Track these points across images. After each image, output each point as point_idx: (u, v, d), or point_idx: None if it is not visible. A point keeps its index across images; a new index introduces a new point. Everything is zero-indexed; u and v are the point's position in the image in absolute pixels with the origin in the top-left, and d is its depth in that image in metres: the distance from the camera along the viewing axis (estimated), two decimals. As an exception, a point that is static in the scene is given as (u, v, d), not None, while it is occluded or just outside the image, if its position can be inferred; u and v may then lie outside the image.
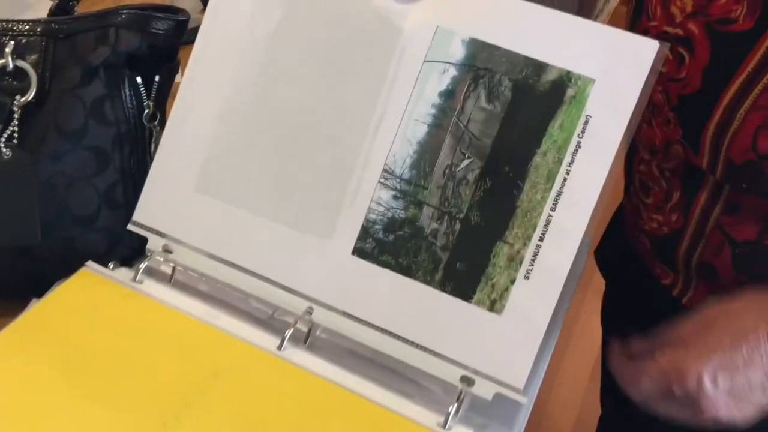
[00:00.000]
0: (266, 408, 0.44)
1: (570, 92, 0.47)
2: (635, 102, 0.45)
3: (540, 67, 0.47)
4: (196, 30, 0.57)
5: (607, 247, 0.78)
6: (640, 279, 0.65)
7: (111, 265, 0.52)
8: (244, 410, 0.44)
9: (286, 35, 0.51)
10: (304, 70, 0.51)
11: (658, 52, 0.45)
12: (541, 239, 0.46)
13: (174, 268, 0.52)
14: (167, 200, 0.52)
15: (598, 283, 0.82)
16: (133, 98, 0.54)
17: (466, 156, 0.49)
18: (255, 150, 0.51)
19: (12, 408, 0.43)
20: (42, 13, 0.84)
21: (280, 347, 0.47)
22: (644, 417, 0.51)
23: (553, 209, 0.46)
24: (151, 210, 0.52)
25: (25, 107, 0.52)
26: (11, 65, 0.52)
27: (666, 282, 0.62)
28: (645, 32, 0.53)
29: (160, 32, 0.53)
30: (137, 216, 0.53)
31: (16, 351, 0.46)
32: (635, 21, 0.56)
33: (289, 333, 0.48)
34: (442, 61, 0.49)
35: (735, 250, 0.55)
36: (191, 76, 0.52)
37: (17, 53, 0.52)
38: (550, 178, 0.47)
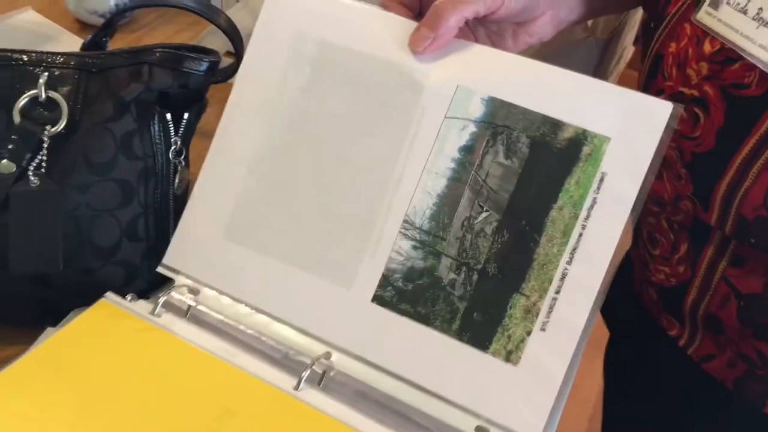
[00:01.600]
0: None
1: (586, 150, 0.48)
2: (650, 160, 0.47)
3: (557, 125, 0.49)
4: (222, 70, 0.59)
5: (612, 299, 0.79)
6: (645, 330, 0.66)
7: (129, 297, 0.53)
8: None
9: (313, 93, 0.53)
10: (330, 125, 0.53)
11: (672, 112, 0.47)
12: (557, 292, 0.48)
13: (189, 306, 0.53)
14: (196, 245, 0.54)
15: (595, 338, 0.83)
16: (161, 134, 0.55)
17: (484, 209, 0.50)
18: (282, 201, 0.53)
19: None
20: (64, 46, 0.87)
21: (296, 387, 0.48)
22: None
23: (569, 263, 0.48)
24: (181, 254, 0.54)
25: (55, 137, 0.53)
26: (43, 96, 0.53)
27: (672, 333, 0.63)
28: (660, 92, 0.55)
29: (192, 71, 0.55)
30: (167, 259, 0.54)
31: (35, 379, 0.47)
32: (649, 81, 0.58)
33: (306, 374, 0.48)
34: (462, 118, 0.51)
35: (740, 302, 0.56)
36: (224, 128, 0.55)
37: (50, 84, 0.54)
38: (566, 232, 0.48)
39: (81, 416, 0.45)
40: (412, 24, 0.51)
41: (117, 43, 0.64)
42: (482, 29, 0.56)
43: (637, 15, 0.92)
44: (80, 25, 0.92)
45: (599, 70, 0.76)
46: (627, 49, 0.94)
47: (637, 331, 0.71)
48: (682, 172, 0.55)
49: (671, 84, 0.55)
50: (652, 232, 0.62)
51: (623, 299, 0.73)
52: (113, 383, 0.47)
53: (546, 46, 0.68)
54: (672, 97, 0.54)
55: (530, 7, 0.53)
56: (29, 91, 0.53)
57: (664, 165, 0.57)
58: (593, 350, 0.88)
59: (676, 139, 0.54)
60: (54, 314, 0.53)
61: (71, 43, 0.88)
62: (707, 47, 0.52)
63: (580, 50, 0.71)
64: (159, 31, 0.93)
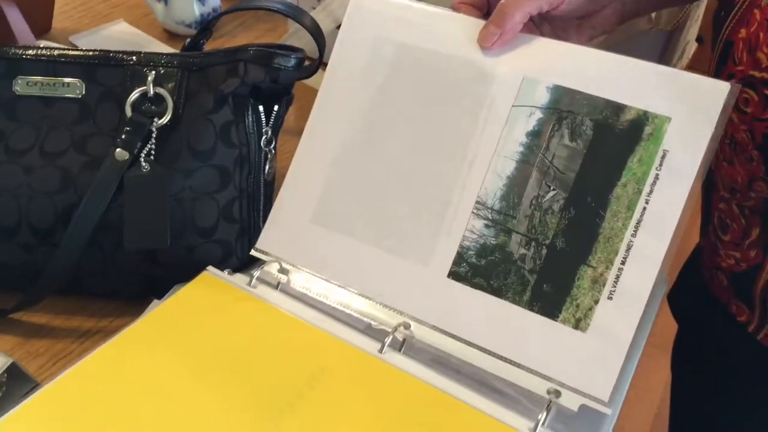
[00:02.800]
0: (367, 404, 0.49)
1: (648, 129, 0.52)
2: (710, 137, 0.50)
3: (619, 108, 0.52)
4: (307, 68, 0.64)
5: (680, 291, 0.80)
6: (714, 318, 0.68)
7: (227, 271, 0.58)
8: (348, 404, 0.49)
9: (392, 89, 0.58)
10: (408, 117, 0.58)
11: (730, 91, 0.50)
12: (623, 263, 0.51)
13: (279, 282, 0.58)
14: (286, 231, 0.59)
15: (657, 338, 0.85)
16: (255, 124, 0.61)
17: (552, 188, 0.54)
18: (363, 188, 0.58)
19: (136, 399, 0.48)
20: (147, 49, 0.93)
21: (381, 350, 0.52)
22: None
23: (633, 235, 0.51)
24: (272, 238, 0.59)
25: (161, 128, 0.59)
26: (151, 92, 0.59)
27: (741, 319, 0.64)
28: (730, 77, 0.57)
29: (282, 67, 0.60)
30: (260, 244, 0.60)
31: (144, 345, 0.52)
32: (720, 67, 0.60)
33: (389, 339, 0.52)
34: (529, 106, 0.55)
35: None
36: (312, 125, 0.60)
37: (157, 81, 0.60)
38: (631, 207, 0.51)
39: (188, 377, 0.50)
40: (481, 22, 0.56)
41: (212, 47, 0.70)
42: (547, 25, 0.60)
43: (700, 9, 0.93)
44: (168, 35, 0.99)
45: (662, 62, 0.78)
46: (690, 44, 0.96)
47: (706, 319, 0.72)
48: (754, 154, 0.57)
49: (742, 68, 0.56)
50: (723, 218, 0.63)
51: (692, 288, 0.75)
52: (216, 347, 0.52)
53: (610, 37, 0.71)
54: (743, 81, 0.55)
55: (593, 1, 0.56)
56: (139, 87, 0.60)
57: (735, 149, 0.59)
58: (656, 350, 0.89)
59: (747, 122, 0.56)
60: (158, 289, 0.58)
61: (160, 50, 0.95)
62: None
63: (643, 41, 0.74)
64: (239, 38, 0.99)
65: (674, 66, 0.90)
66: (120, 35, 0.98)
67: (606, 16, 0.58)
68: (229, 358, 0.51)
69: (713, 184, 0.65)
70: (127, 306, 0.62)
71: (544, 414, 0.48)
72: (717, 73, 0.60)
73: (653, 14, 0.74)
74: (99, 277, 0.61)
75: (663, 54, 0.77)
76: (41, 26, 0.94)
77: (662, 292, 0.66)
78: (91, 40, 0.96)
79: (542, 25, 0.59)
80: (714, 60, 0.62)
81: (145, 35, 0.98)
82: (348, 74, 0.60)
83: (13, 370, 0.53)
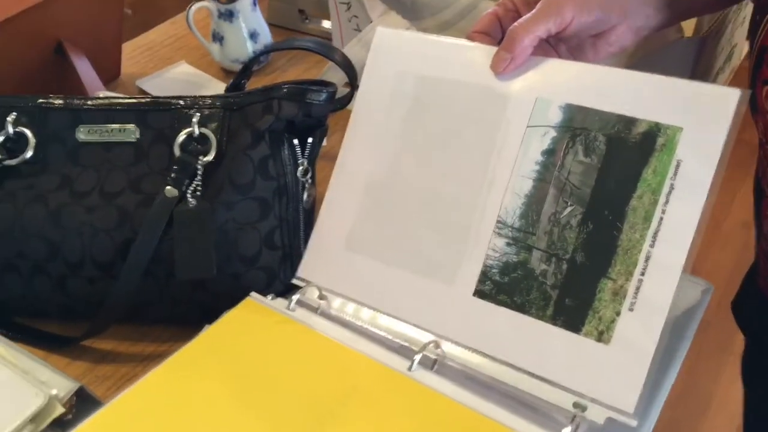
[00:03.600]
0: (397, 420, 0.51)
1: (660, 141, 0.52)
2: (723, 144, 0.50)
3: (631, 122, 0.54)
4: (340, 99, 0.68)
5: (743, 301, 0.79)
6: None
7: (270, 296, 0.62)
8: (378, 421, 0.51)
9: (415, 120, 0.61)
10: (430, 145, 0.60)
11: (741, 98, 0.50)
12: (642, 274, 0.51)
13: (319, 305, 0.61)
14: (323, 258, 0.63)
15: (740, 347, 0.83)
16: (291, 157, 0.65)
17: (569, 204, 0.55)
18: (390, 215, 0.61)
19: (182, 418, 0.52)
20: (212, 91, 1.00)
21: (410, 368, 0.55)
22: None
23: (652, 246, 0.51)
24: (311, 266, 0.63)
25: (207, 166, 0.64)
26: (197, 132, 0.65)
27: None
28: (765, 82, 0.57)
29: (314, 102, 0.64)
30: (300, 272, 0.63)
31: (192, 367, 0.56)
32: (756, 72, 0.59)
33: (418, 357, 0.55)
34: (542, 125, 0.57)
35: None
36: (343, 156, 0.64)
37: (201, 122, 0.65)
38: (647, 218, 0.52)
39: (229, 396, 0.53)
40: (494, 49, 0.58)
41: (256, 84, 0.75)
42: (563, 45, 0.61)
43: (746, 10, 0.92)
44: (225, 73, 1.05)
45: (698, 69, 0.78)
46: (738, 46, 0.94)
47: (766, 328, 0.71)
48: None
49: None
50: None
51: (752, 298, 0.73)
52: (255, 367, 0.55)
53: (638, 50, 0.72)
54: None
55: (602, 20, 0.57)
56: (185, 129, 0.65)
57: None
58: (736, 358, 0.87)
59: None
60: (211, 315, 0.62)
61: (218, 87, 1.01)
62: None
63: (673, 52, 0.74)
64: (290, 72, 1.05)
65: (721, 68, 0.89)
66: (182, 76, 1.05)
67: (620, 33, 0.58)
68: (267, 377, 0.55)
69: (762, 192, 0.64)
70: (185, 332, 0.66)
71: (570, 428, 0.50)
72: (753, 78, 0.60)
73: (682, 23, 0.74)
74: (156, 305, 0.66)
75: (697, 62, 0.76)
76: (111, 73, 1.02)
77: (706, 301, 0.66)
78: (156, 83, 1.03)
79: (558, 45, 0.61)
80: (751, 65, 0.61)
81: (204, 74, 1.05)
82: (374, 107, 0.63)
83: (82, 393, 0.58)
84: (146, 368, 0.66)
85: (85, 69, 0.89)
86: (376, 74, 0.64)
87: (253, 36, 1.02)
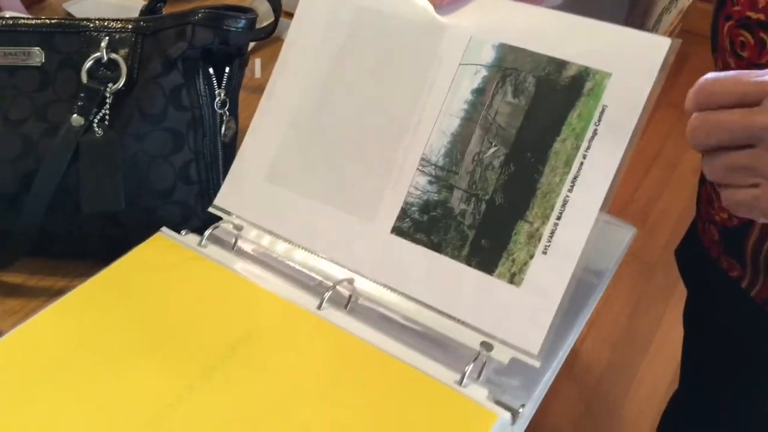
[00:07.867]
0: (299, 359, 0.50)
1: (588, 85, 0.51)
2: (648, 92, 0.49)
3: (561, 64, 0.52)
4: (264, 29, 0.64)
5: (685, 248, 0.79)
6: (709, 274, 0.66)
7: (183, 232, 0.60)
8: (279, 360, 0.50)
9: (348, 51, 0.59)
10: (361, 78, 0.58)
11: (671, 47, 0.48)
12: (559, 218, 0.50)
13: (236, 238, 0.59)
14: (243, 188, 0.60)
15: (683, 291, 0.84)
16: (206, 88, 0.62)
17: (493, 144, 0.53)
18: (315, 147, 0.59)
19: (73, 356, 0.50)
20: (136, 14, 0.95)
21: (319, 307, 0.53)
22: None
23: (570, 191, 0.50)
24: (230, 196, 0.61)
25: (116, 94, 0.60)
26: (105, 58, 0.61)
27: (733, 275, 0.63)
28: (728, 17, 0.55)
29: (232, 29, 0.60)
30: (217, 201, 0.61)
31: (90, 303, 0.54)
32: (719, 9, 0.57)
33: (327, 295, 0.53)
34: (474, 64, 0.54)
35: None
36: (271, 87, 0.61)
37: (111, 47, 0.61)
38: (568, 162, 0.50)
39: (125, 336, 0.51)
40: None
41: (175, 9, 0.70)
42: None
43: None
44: None
45: (631, 16, 0.76)
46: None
47: (702, 275, 0.70)
48: None
49: (739, 9, 0.55)
50: None
51: (690, 243, 0.73)
52: (158, 306, 0.53)
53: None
54: (739, 21, 0.54)
55: None
56: (95, 54, 0.61)
57: None
58: (678, 301, 0.87)
59: (744, 66, 0.54)
60: (124, 250, 0.60)
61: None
62: None
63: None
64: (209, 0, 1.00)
65: (666, 11, 0.86)
66: (113, 0, 0.99)
67: None
68: (168, 316, 0.53)
69: None
70: (98, 267, 0.64)
71: (471, 366, 0.49)
72: (716, 15, 0.58)
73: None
74: (65, 239, 0.63)
75: (632, 9, 0.74)
76: (35, -5, 0.97)
77: (624, 243, 0.66)
78: (84, 7, 0.98)
79: None
80: (714, 5, 0.59)
81: (137, -1, 0.99)
82: (308, 37, 0.60)
83: (-18, 329, 0.56)
84: (56, 304, 0.63)
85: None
86: (312, 3, 0.61)
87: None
